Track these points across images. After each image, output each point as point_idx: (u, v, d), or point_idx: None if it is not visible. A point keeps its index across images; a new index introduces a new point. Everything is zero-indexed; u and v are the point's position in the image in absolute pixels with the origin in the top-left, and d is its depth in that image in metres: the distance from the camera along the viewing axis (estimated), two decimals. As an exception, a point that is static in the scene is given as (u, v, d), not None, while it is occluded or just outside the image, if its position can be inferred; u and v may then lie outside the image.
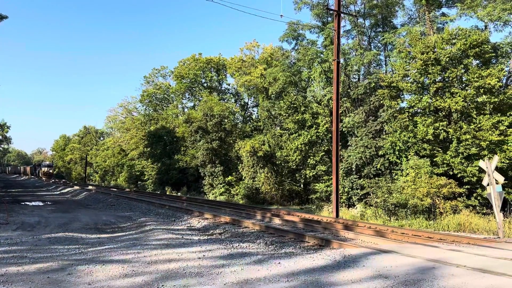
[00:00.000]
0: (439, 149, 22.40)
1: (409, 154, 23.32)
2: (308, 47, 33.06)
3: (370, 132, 26.40)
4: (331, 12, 27.03)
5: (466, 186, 21.01)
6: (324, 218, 18.22)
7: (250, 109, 50.63)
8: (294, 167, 30.71)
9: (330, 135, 28.52)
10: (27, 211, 20.99)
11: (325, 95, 29.81)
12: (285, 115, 31.38)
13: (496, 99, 20.92)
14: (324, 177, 28.43)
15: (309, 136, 29.24)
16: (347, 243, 10.90)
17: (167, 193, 41.08)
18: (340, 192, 24.53)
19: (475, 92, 21.35)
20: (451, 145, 21.79)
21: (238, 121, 45.83)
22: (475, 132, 20.74)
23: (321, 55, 31.50)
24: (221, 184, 36.23)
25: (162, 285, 6.60)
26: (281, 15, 27.91)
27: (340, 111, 22.50)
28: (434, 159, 22.17)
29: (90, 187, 46.79)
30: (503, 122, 20.63)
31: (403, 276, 7.12)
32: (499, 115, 21.05)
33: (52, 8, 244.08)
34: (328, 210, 22.84)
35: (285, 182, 31.52)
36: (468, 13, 25.90)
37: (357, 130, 27.44)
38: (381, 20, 31.35)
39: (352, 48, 31.14)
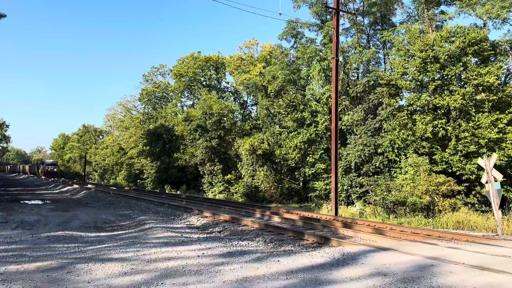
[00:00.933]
0: (438, 147, 22.43)
1: (408, 152, 23.36)
2: (307, 45, 33.07)
3: (369, 130, 26.42)
4: (330, 10, 27.02)
5: (465, 184, 21.05)
6: (323, 216, 18.24)
7: (249, 107, 50.67)
8: (293, 165, 30.74)
9: (329, 133, 28.54)
10: (26, 209, 20.99)
11: (324, 93, 29.82)
12: (284, 113, 31.39)
13: (494, 97, 20.95)
14: (323, 175, 28.46)
15: (308, 134, 29.26)
16: (346, 241, 10.93)
17: (167, 192, 41.09)
18: (339, 190, 24.58)
19: (474, 90, 21.37)
20: (450, 143, 21.82)
21: (237, 120, 45.84)
22: (473, 130, 20.77)
23: (320, 53, 31.50)
24: (220, 182, 36.25)
25: (162, 283, 6.61)
26: (280, 13, 27.89)
27: (339, 109, 22.52)
28: (433, 157, 22.20)
29: (89, 185, 46.80)
30: (501, 120, 20.67)
31: (402, 273, 7.14)
32: (497, 113, 21.08)
33: (50, 6, 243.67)
34: (327, 208, 22.87)
35: (284, 180, 31.55)
36: (467, 11, 25.90)
37: (356, 128, 27.46)
38: (380, 18, 31.34)
39: (351, 46, 31.14)
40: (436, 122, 22.02)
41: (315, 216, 18.58)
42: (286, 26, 34.24)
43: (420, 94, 23.37)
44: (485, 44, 21.83)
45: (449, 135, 21.93)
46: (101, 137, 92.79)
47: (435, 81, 22.65)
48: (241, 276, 7.08)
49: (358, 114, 27.39)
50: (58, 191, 40.18)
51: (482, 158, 14.06)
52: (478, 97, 21.51)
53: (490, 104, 21.29)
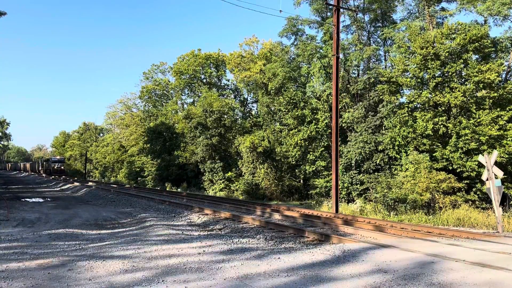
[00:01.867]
0: (439, 144, 22.42)
1: (409, 149, 23.35)
2: (307, 42, 33.01)
3: (370, 128, 26.40)
4: (330, 7, 26.96)
5: (466, 181, 21.05)
6: (324, 214, 18.26)
7: (249, 104, 50.62)
8: (293, 162, 30.74)
9: (329, 130, 28.53)
10: (27, 207, 21.03)
11: (325, 91, 29.78)
12: (284, 111, 31.36)
13: (495, 94, 20.92)
14: (323, 173, 28.46)
15: (308, 131, 29.24)
16: (346, 238, 10.94)
17: (167, 189, 41.11)
18: (340, 187, 24.59)
19: (474, 87, 21.34)
20: (450, 140, 21.80)
21: (237, 117, 45.81)
22: (474, 127, 20.75)
23: (321, 51, 31.45)
24: (221, 180, 36.27)
25: (162, 281, 6.63)
26: (280, 10, 27.79)
27: (339, 107, 22.51)
28: (434, 154, 22.19)
29: (90, 183, 46.83)
30: (502, 116, 20.64)
31: (402, 270, 7.16)
32: (498, 109, 21.06)
33: (51, 3, 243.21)
34: (328, 205, 22.88)
35: (284, 178, 31.56)
36: (468, 8, 25.83)
37: (356, 126, 27.45)
38: (380, 15, 31.27)
39: (352, 43, 31.09)
40: (436, 119, 22.00)
41: (316, 213, 18.59)
42: (287, 23, 34.19)
43: (420, 91, 23.34)
44: (486, 41, 21.78)
45: (449, 132, 21.92)
46: (101, 134, 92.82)
47: (435, 78, 22.61)
48: (242, 273, 7.10)
49: (358, 112, 27.37)
50: (59, 189, 40.24)
51: (483, 155, 14.05)
52: (479, 94, 21.48)
53: (491, 101, 21.26)
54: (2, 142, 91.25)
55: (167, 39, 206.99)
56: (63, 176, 66.68)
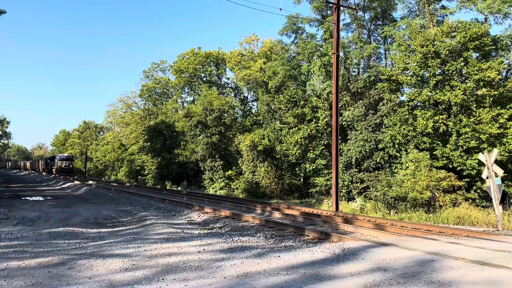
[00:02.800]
0: (439, 142, 22.41)
1: (409, 148, 23.34)
2: (307, 40, 32.96)
3: (370, 126, 26.39)
4: (330, 5, 26.89)
5: (466, 179, 21.05)
6: (324, 212, 18.26)
7: (249, 103, 50.57)
8: (294, 161, 30.74)
9: (329, 129, 28.51)
10: (27, 206, 21.04)
11: (325, 89, 29.76)
12: (284, 109, 31.34)
13: (496, 92, 20.90)
14: (324, 171, 28.46)
15: (308, 130, 29.23)
16: (346, 236, 10.94)
17: (168, 188, 41.14)
18: (340, 186, 24.58)
19: (474, 85, 21.32)
20: (450, 138, 21.80)
21: (237, 116, 45.77)
22: (474, 125, 20.74)
23: (321, 49, 31.41)
24: (221, 178, 36.28)
25: (163, 279, 6.64)
26: (280, 9, 27.81)
27: (339, 105, 22.49)
28: (434, 152, 22.19)
29: (90, 182, 46.86)
30: (502, 115, 20.63)
31: (402, 268, 7.16)
32: (498, 108, 21.04)
33: (51, 2, 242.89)
34: (328, 203, 22.89)
35: (285, 176, 31.56)
36: (468, 6, 25.78)
37: (356, 124, 27.43)
38: (380, 13, 31.22)
39: (352, 42, 31.04)
40: (437, 118, 21.98)
41: (316, 211, 18.60)
42: (287, 22, 34.15)
43: (421, 90, 23.32)
44: (486, 39, 21.74)
45: (450, 130, 21.91)
46: (102, 133, 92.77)
47: (436, 76, 22.59)
48: (242, 271, 7.10)
49: (358, 110, 27.35)
50: (59, 187, 40.27)
51: (483, 153, 14.05)
52: (479, 92, 21.45)
53: (491, 99, 21.24)
54: (2, 141, 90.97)
55: (167, 38, 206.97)
56: (70, 176, 60.97)
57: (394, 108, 24.69)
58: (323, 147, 29.28)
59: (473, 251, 8.73)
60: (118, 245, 9.83)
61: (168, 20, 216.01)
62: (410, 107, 23.83)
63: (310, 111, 29.90)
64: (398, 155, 24.30)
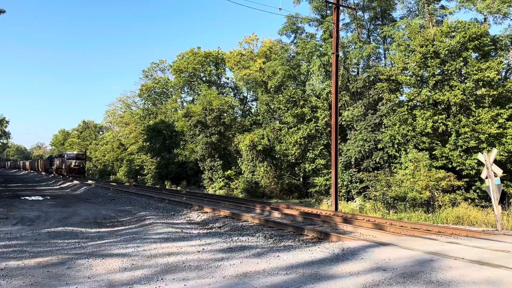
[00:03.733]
0: (438, 142, 22.42)
1: (408, 147, 23.34)
2: (307, 40, 32.97)
3: (369, 126, 26.39)
4: (330, 5, 26.89)
5: (465, 179, 21.06)
6: (323, 212, 18.26)
7: (249, 103, 50.59)
8: (293, 161, 30.74)
9: (329, 128, 28.51)
10: (26, 205, 21.02)
11: (324, 89, 29.77)
12: (284, 109, 31.34)
13: (495, 92, 20.91)
14: (323, 171, 28.47)
15: (308, 130, 29.23)
16: (345, 236, 10.95)
17: (167, 187, 41.12)
18: (339, 185, 24.60)
19: (474, 85, 21.33)
20: (450, 138, 21.81)
21: (237, 115, 45.78)
22: (474, 125, 20.75)
23: (320, 49, 31.41)
24: (220, 178, 36.28)
25: (162, 279, 6.63)
26: (279, 8, 27.82)
27: (339, 105, 22.49)
28: (433, 152, 22.19)
29: (89, 181, 46.82)
30: (502, 115, 20.64)
31: (402, 268, 7.15)
32: (498, 108, 21.05)
33: (51, 1, 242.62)
34: (327, 203, 22.89)
35: (284, 176, 31.56)
36: (468, 6, 25.80)
37: (356, 124, 27.44)
38: (380, 13, 31.23)
39: (351, 41, 31.05)
40: (436, 118, 21.99)
41: (315, 211, 18.60)
42: (286, 21, 34.16)
43: (420, 89, 23.32)
44: (485, 39, 21.75)
45: (449, 130, 21.92)
46: (101, 133, 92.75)
47: (435, 76, 22.60)
48: (241, 271, 7.09)
49: (358, 110, 27.35)
50: (58, 187, 40.23)
51: (482, 153, 14.06)
52: (479, 92, 21.46)
53: (491, 99, 21.25)
54: (1, 140, 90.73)
55: (166, 37, 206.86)
56: (80, 176, 54.87)
57: (394, 108, 24.69)
58: (322, 147, 29.28)
59: (472, 251, 8.73)
60: (117, 245, 9.82)
61: (167, 20, 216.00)
62: (409, 107, 23.83)
63: (310, 111, 29.90)
64: (398, 155, 24.31)
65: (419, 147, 22.74)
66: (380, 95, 25.95)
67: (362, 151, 25.97)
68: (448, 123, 21.76)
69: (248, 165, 32.95)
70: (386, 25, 29.85)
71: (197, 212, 17.61)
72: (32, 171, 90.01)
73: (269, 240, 10.79)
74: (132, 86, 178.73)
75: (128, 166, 58.35)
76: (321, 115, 29.17)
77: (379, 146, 25.27)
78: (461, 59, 21.90)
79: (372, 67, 28.79)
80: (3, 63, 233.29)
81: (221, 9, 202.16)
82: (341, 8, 23.10)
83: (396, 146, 24.20)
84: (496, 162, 14.86)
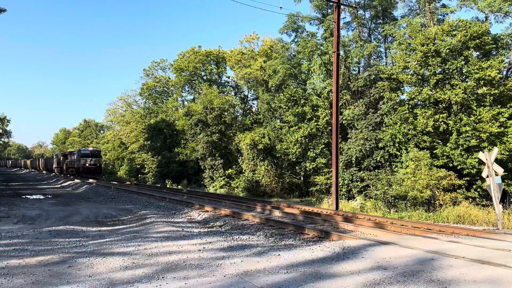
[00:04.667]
0: (439, 141, 22.40)
1: (409, 146, 23.33)
2: (308, 39, 32.94)
3: (370, 125, 26.38)
4: (331, 3, 26.87)
5: (466, 178, 21.04)
6: (324, 211, 18.27)
7: (250, 102, 50.59)
8: (294, 159, 30.74)
9: (330, 127, 28.50)
10: (28, 204, 21.06)
11: (325, 88, 29.75)
12: (285, 108, 31.33)
13: (496, 91, 20.88)
14: (324, 170, 28.46)
15: (309, 128, 29.22)
16: (346, 235, 10.95)
17: (168, 186, 41.15)
18: (340, 184, 24.58)
19: (475, 84, 21.30)
20: (451, 137, 21.79)
21: (238, 114, 45.78)
22: (475, 124, 20.73)
23: (321, 47, 31.39)
24: (221, 177, 36.29)
25: (163, 277, 6.64)
26: (280, 7, 27.77)
27: (340, 104, 22.46)
28: (434, 151, 22.18)
29: (90, 180, 46.84)
30: (503, 113, 20.62)
31: (402, 267, 7.16)
32: (499, 106, 21.04)
33: (52, 1, 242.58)
34: (328, 202, 22.89)
35: (285, 175, 31.56)
36: (469, 4, 25.75)
37: (357, 123, 27.42)
38: (381, 12, 31.18)
39: (352, 40, 31.02)
40: (437, 116, 21.97)
41: (316, 210, 18.60)
42: (287, 20, 34.15)
43: (421, 88, 23.30)
44: (486, 37, 21.72)
45: (450, 129, 21.90)
46: (102, 131, 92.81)
47: (436, 75, 22.57)
48: (242, 269, 7.10)
49: (359, 109, 27.33)
50: (59, 185, 40.29)
51: (483, 152, 14.04)
52: (480, 91, 21.44)
53: (492, 98, 21.23)
54: (2, 139, 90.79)
55: (167, 36, 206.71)
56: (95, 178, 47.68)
57: (395, 107, 24.67)
58: (323, 145, 29.27)
59: (473, 250, 8.72)
60: (118, 244, 9.84)
61: (168, 19, 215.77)
62: (410, 106, 23.81)
63: (310, 110, 29.89)
64: (398, 154, 24.30)
65: (420, 146, 22.73)
66: (381, 94, 25.93)
67: (363, 150, 25.96)
68: (449, 122, 21.74)
69: (249, 164, 32.96)
70: (387, 24, 29.81)
71: (198, 211, 17.62)
72: (33, 170, 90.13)
73: (270, 239, 10.80)
74: (133, 85, 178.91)
75: (129, 165, 58.37)
76: (322, 114, 29.16)
77: (380, 145, 25.26)
78: (462, 58, 21.87)
79: (373, 66, 28.75)
80: (3, 62, 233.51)
81: (222, 8, 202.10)
82: (342, 6, 23.08)
83: (397, 145, 24.19)
84: (497, 161, 14.83)
